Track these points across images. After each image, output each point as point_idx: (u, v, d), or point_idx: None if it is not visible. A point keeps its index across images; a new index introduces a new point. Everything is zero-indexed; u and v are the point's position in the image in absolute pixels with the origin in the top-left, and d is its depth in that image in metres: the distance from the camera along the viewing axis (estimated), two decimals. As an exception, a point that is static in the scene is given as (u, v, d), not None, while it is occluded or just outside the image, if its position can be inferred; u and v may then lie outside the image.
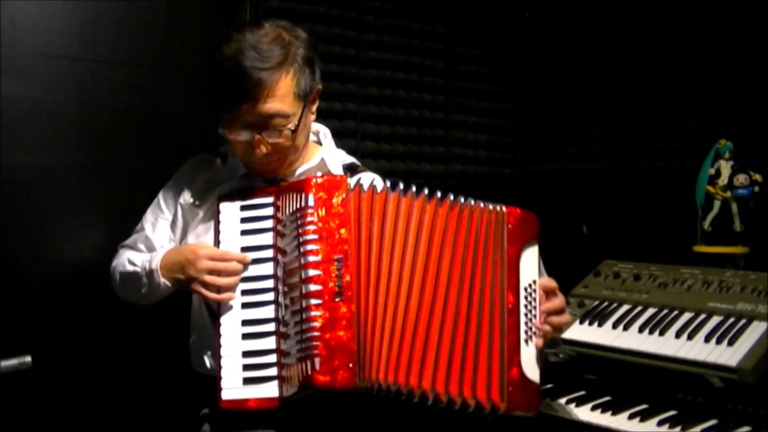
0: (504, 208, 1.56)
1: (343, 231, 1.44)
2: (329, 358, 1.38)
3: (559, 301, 1.58)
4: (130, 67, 2.04)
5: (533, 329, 1.54)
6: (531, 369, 1.52)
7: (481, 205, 1.54)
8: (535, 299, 1.56)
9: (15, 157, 1.86)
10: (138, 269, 1.63)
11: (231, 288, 1.51)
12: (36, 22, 1.89)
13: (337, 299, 1.41)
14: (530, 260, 1.56)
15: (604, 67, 2.72)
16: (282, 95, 1.54)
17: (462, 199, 1.53)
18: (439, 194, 1.52)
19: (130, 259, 1.67)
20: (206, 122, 2.13)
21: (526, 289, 1.54)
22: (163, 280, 1.58)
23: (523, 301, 1.53)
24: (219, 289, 1.51)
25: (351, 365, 1.38)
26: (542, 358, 1.58)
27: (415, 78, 2.69)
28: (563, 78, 2.88)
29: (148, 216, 1.74)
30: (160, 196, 1.74)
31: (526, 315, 1.53)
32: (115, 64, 2.01)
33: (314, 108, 1.68)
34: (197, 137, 2.07)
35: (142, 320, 1.97)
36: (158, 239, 1.70)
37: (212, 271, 1.51)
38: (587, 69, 2.78)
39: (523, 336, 1.52)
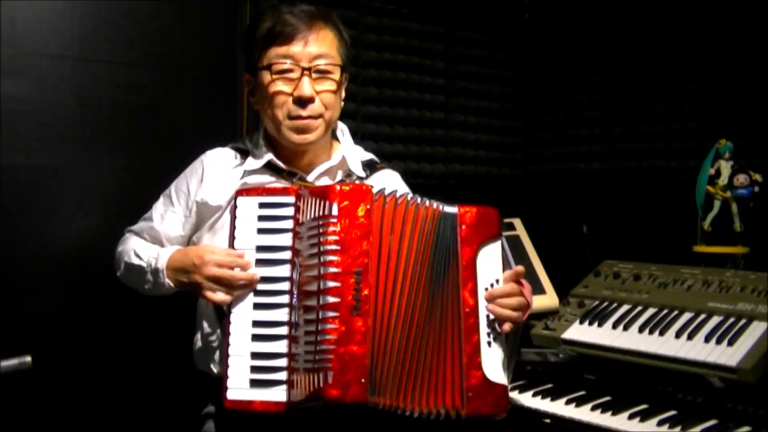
0: (456, 209, 1.51)
1: (364, 244, 1.42)
2: (342, 372, 1.36)
3: (508, 287, 1.52)
4: (130, 67, 2.04)
5: (497, 330, 1.50)
6: (495, 371, 1.47)
7: (434, 206, 1.50)
8: None
9: (15, 157, 1.86)
10: (143, 264, 1.62)
11: (237, 297, 1.48)
12: (36, 22, 1.89)
13: (354, 313, 1.39)
14: (491, 258, 1.52)
15: (604, 67, 2.72)
16: (329, 43, 1.60)
17: (418, 200, 1.50)
18: (409, 196, 1.50)
19: (136, 251, 1.66)
20: (206, 122, 2.15)
21: (487, 289, 1.50)
22: (167, 280, 1.57)
23: (483, 303, 1.49)
24: (224, 297, 1.48)
25: (363, 380, 1.37)
26: (511, 358, 1.54)
27: (415, 78, 2.69)
28: (563, 78, 2.88)
29: (159, 207, 1.72)
30: (173, 189, 1.72)
31: (488, 316, 1.49)
32: (115, 64, 2.01)
33: (343, 94, 1.69)
34: (197, 137, 2.06)
35: (144, 317, 1.97)
36: (165, 232, 1.69)
37: (218, 279, 1.48)
38: (587, 69, 2.78)
39: (485, 338, 1.48)
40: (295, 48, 1.57)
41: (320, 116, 1.60)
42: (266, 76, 1.58)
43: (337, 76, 1.60)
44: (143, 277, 1.62)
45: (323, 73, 1.59)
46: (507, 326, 1.49)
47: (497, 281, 1.52)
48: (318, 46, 1.58)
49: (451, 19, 2.79)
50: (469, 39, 2.86)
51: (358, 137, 2.50)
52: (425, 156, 2.72)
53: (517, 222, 2.40)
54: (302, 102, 1.57)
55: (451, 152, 2.81)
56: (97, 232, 1.94)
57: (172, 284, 1.58)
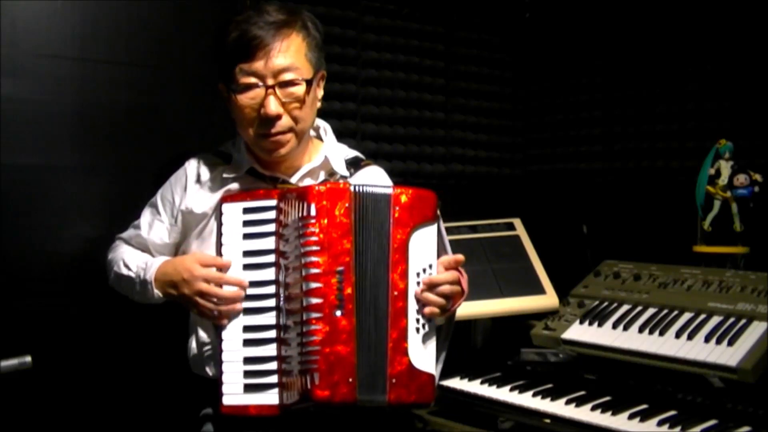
0: (390, 191, 1.48)
1: (345, 242, 1.42)
2: (329, 372, 1.37)
3: (446, 275, 1.49)
4: (130, 67, 2.03)
5: (429, 317, 1.47)
6: (422, 358, 1.45)
7: (372, 189, 1.48)
8: None
9: (15, 157, 1.86)
10: (132, 275, 1.63)
11: (225, 312, 1.48)
12: (36, 22, 1.89)
13: (337, 312, 1.39)
14: (425, 242, 1.48)
15: (604, 67, 2.72)
16: (294, 52, 1.54)
17: (374, 189, 1.48)
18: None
19: (125, 261, 1.67)
20: (206, 122, 2.14)
21: (419, 274, 1.47)
22: (156, 292, 1.59)
23: (414, 287, 1.46)
24: (212, 312, 1.50)
25: (351, 380, 1.38)
26: (441, 347, 1.52)
27: (415, 78, 2.69)
28: (563, 78, 2.88)
29: (146, 216, 1.73)
30: (158, 198, 1.73)
31: (418, 301, 1.46)
32: (115, 64, 2.01)
33: (321, 93, 1.66)
34: (197, 137, 2.07)
35: (142, 320, 1.97)
36: (152, 241, 1.70)
37: (206, 294, 1.49)
38: (587, 69, 2.78)
39: (413, 324, 1.45)
40: (258, 64, 1.51)
41: (290, 130, 1.57)
42: (233, 94, 1.55)
43: (304, 87, 1.56)
44: (133, 288, 1.64)
45: (290, 86, 1.54)
46: (428, 309, 1.46)
47: (430, 266, 1.49)
48: (283, 57, 1.52)
49: (451, 19, 2.79)
50: (469, 39, 2.85)
51: (358, 137, 2.50)
52: (425, 156, 2.72)
53: (517, 222, 2.39)
54: (269, 120, 1.54)
55: (451, 152, 2.80)
56: (96, 232, 1.94)
57: (161, 295, 1.59)
